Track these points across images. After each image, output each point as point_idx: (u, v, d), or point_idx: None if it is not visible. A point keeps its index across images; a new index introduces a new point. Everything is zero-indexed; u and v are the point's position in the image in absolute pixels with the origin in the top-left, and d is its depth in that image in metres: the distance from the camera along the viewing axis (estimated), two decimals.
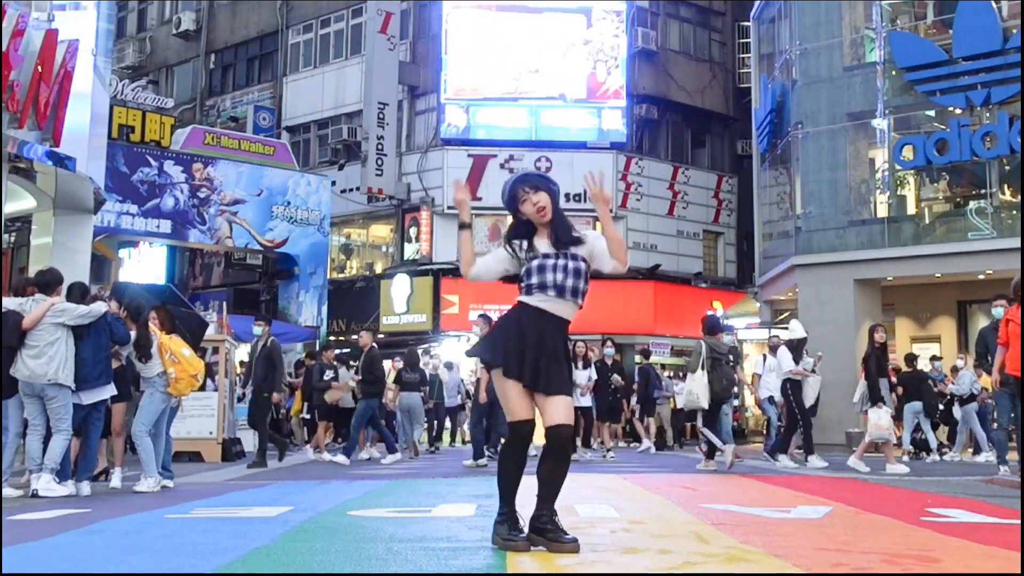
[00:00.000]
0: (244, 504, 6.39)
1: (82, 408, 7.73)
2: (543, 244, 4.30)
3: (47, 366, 7.29)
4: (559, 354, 4.21)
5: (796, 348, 11.77)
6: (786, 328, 15.69)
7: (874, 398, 11.00)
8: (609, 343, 15.14)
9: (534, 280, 4.21)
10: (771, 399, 13.69)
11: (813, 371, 12.07)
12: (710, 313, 13.43)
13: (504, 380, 4.15)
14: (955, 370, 15.16)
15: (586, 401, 13.50)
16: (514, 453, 4.21)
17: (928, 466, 12.36)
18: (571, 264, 4.24)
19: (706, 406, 10.80)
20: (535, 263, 4.24)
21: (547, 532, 4.04)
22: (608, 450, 14.19)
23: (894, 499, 6.91)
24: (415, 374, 14.43)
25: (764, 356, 14.20)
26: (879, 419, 10.85)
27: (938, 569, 3.64)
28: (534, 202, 4.29)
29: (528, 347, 4.14)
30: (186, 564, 3.81)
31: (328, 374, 14.16)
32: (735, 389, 14.47)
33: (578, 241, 4.32)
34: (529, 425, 4.15)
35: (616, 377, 14.85)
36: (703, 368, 10.74)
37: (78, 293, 7.93)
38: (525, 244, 4.30)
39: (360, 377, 13.28)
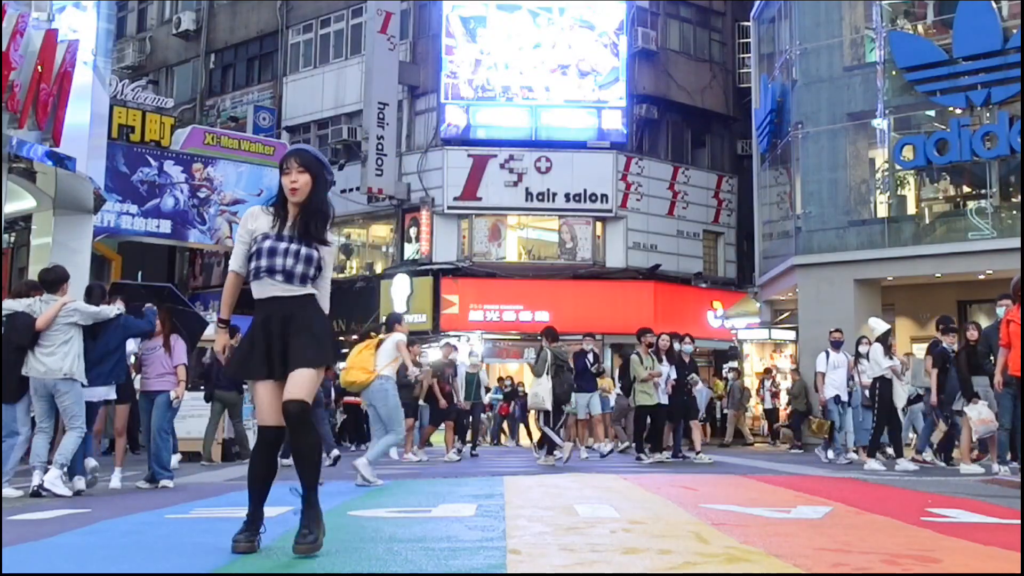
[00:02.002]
0: (244, 504, 6.38)
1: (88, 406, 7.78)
2: (286, 226, 4.12)
3: (62, 362, 7.36)
4: (302, 328, 4.06)
5: (884, 343, 11.70)
6: (785, 327, 15.68)
7: (967, 394, 10.84)
8: (688, 339, 14.07)
9: (263, 263, 4.03)
10: (837, 398, 13.02)
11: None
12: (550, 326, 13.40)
13: (255, 384, 4.07)
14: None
15: (665, 399, 12.90)
16: (262, 457, 4.13)
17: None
18: (304, 250, 4.06)
19: (549, 407, 12.02)
20: (267, 244, 4.04)
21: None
22: (697, 452, 13.26)
23: (894, 499, 6.91)
24: None
25: (827, 353, 13.34)
26: (979, 414, 10.80)
27: (938, 569, 3.64)
28: (292, 179, 4.08)
29: (274, 339, 4.01)
30: (186, 564, 3.81)
31: (413, 371, 13.89)
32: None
33: (323, 242, 4.17)
34: (273, 432, 4.05)
35: (694, 376, 13.86)
36: (547, 374, 11.98)
37: (98, 294, 7.98)
38: (264, 223, 4.14)
39: None
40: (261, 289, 4.07)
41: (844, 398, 13.01)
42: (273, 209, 4.18)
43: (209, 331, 11.27)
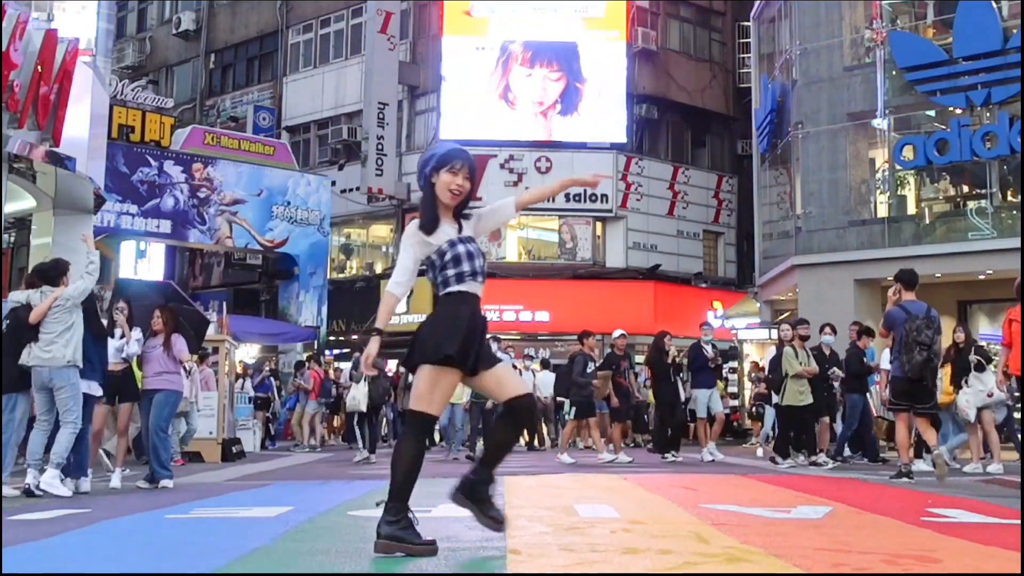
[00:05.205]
0: (244, 504, 6.39)
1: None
2: (449, 229, 4.12)
3: (64, 349, 7.40)
4: (486, 331, 4.21)
5: None
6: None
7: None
8: (828, 329, 12.70)
9: (465, 268, 4.07)
10: None
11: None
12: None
13: (443, 372, 4.00)
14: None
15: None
16: (418, 446, 4.11)
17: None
18: (476, 247, 4.18)
19: (364, 409, 13.22)
20: (461, 249, 4.08)
21: (481, 501, 4.05)
22: (821, 451, 11.83)
23: (894, 499, 6.90)
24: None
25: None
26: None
27: (938, 569, 3.64)
28: (459, 182, 4.09)
29: (476, 334, 4.06)
30: (186, 564, 3.81)
31: (591, 367, 12.71)
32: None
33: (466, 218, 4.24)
34: (434, 422, 4.24)
35: (836, 371, 12.26)
36: (365, 380, 13.15)
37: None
38: (444, 232, 4.11)
39: None
40: (463, 287, 4.11)
41: None
42: (428, 216, 4.14)
43: (210, 331, 11.28)
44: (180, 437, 12.70)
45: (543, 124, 24.33)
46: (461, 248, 4.09)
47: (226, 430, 14.14)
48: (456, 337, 3.98)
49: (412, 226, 4.16)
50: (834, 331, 12.81)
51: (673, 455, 13.03)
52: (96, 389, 7.99)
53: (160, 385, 8.56)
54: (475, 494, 4.06)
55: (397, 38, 24.59)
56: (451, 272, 4.07)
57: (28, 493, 7.16)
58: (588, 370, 12.62)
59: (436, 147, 4.24)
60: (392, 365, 18.25)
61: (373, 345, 4.13)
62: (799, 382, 11.53)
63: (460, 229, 4.16)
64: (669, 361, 13.20)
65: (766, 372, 12.67)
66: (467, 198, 4.16)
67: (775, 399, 12.27)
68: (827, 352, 12.46)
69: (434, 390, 4.03)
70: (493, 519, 4.05)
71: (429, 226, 4.10)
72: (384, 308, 4.17)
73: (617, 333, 13.45)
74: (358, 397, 13.22)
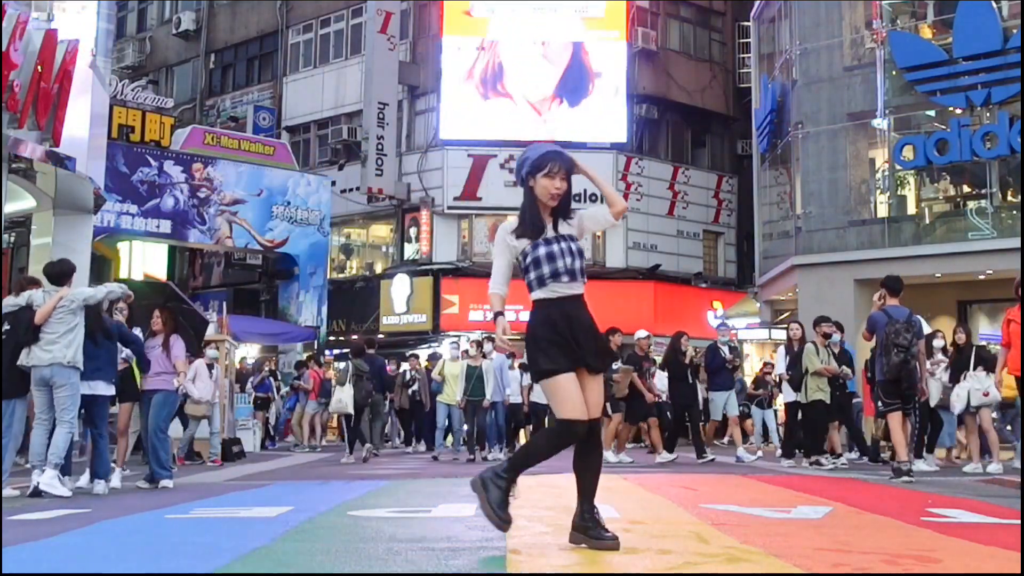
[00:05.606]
0: (244, 504, 6.39)
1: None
2: (546, 230, 4.17)
3: (66, 350, 7.40)
4: (592, 327, 4.15)
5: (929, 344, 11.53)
6: (785, 327, 15.51)
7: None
8: (832, 326, 12.33)
9: (545, 270, 4.08)
10: None
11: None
12: (355, 338, 13.78)
13: (560, 377, 4.01)
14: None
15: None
16: (549, 449, 4.09)
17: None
18: (573, 246, 4.16)
19: (351, 411, 13.55)
20: (542, 251, 4.11)
21: (591, 532, 4.02)
22: (838, 455, 11.84)
23: (894, 499, 6.90)
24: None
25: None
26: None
27: (938, 569, 3.64)
28: (557, 185, 4.12)
29: (567, 338, 4.05)
30: (186, 564, 3.81)
31: (616, 364, 12.42)
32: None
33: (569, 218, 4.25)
34: (579, 425, 4.00)
35: (846, 370, 11.89)
36: (349, 382, 13.59)
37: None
38: (546, 231, 4.14)
39: None
40: (547, 292, 4.12)
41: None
42: (527, 218, 4.17)
43: (210, 331, 11.31)
44: (209, 439, 12.96)
45: (542, 118, 24.30)
46: (542, 250, 4.11)
47: (226, 430, 14.15)
48: (544, 351, 4.04)
49: (502, 230, 4.22)
50: (840, 329, 12.69)
51: (708, 455, 12.69)
52: (101, 388, 7.99)
53: (159, 386, 8.57)
54: (585, 528, 4.04)
55: (397, 38, 24.59)
56: (532, 276, 4.12)
57: (36, 493, 7.16)
58: (614, 367, 12.37)
59: (530, 150, 4.23)
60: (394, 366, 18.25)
61: (502, 324, 4.15)
62: (819, 379, 11.46)
63: (556, 227, 4.16)
64: (687, 362, 13.13)
65: (785, 370, 12.61)
66: (567, 197, 4.18)
67: (793, 396, 12.11)
68: (836, 351, 12.25)
69: (558, 397, 4.03)
70: (606, 540, 3.97)
71: (530, 230, 4.14)
72: (494, 302, 4.21)
73: (643, 334, 13.41)
74: (344, 399, 13.48)
